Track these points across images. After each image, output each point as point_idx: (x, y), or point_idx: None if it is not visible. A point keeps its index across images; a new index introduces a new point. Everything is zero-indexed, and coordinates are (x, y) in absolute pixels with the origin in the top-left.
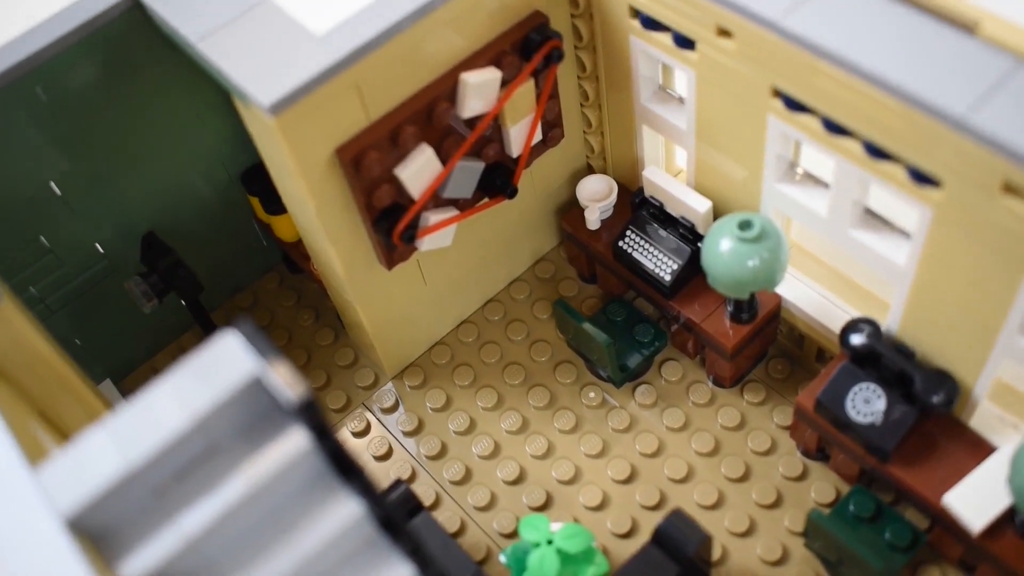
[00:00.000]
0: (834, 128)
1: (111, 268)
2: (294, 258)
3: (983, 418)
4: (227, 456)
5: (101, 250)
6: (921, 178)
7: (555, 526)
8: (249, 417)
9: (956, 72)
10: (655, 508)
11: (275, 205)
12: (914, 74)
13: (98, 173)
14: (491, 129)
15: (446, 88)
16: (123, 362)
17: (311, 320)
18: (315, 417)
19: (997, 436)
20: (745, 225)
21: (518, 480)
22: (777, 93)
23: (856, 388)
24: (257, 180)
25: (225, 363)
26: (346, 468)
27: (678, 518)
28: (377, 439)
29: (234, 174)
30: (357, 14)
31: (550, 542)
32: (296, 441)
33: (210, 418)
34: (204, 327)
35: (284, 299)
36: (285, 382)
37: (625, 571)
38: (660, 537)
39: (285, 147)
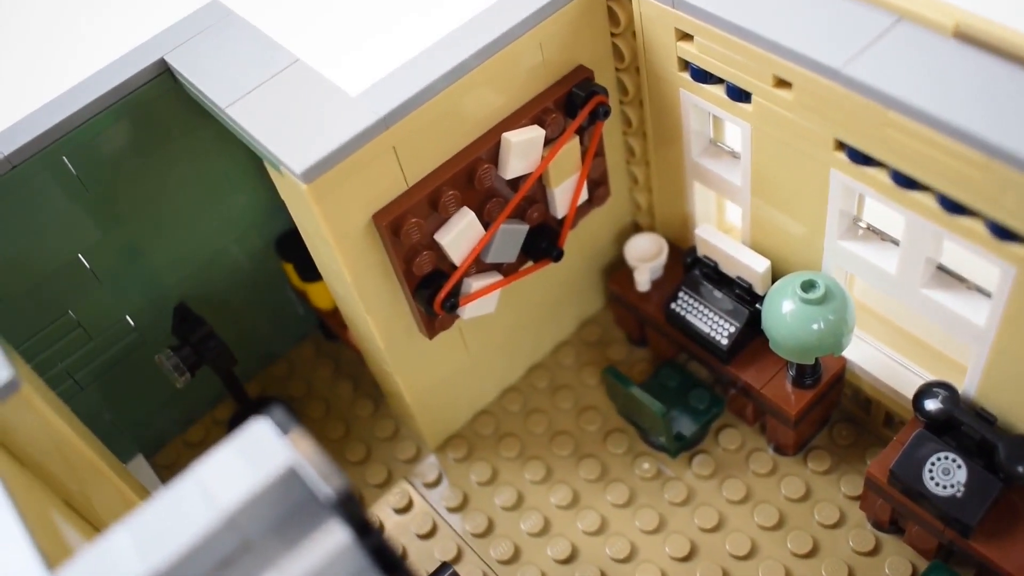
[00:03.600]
0: (905, 181)
1: (142, 341)
2: (331, 326)
3: None
4: (262, 554)
5: (132, 323)
6: (1003, 233)
7: None
8: (284, 511)
9: None
10: None
11: (310, 272)
12: (993, 121)
13: (128, 243)
14: (535, 190)
15: (487, 148)
16: (155, 436)
17: (349, 390)
18: (355, 511)
19: None
20: (808, 286)
21: (570, 559)
22: (841, 146)
23: (934, 458)
24: (291, 246)
25: (257, 453)
26: (389, 564)
27: None
28: (420, 516)
29: (268, 240)
30: (393, 73)
31: None
32: (335, 537)
33: (241, 514)
34: (238, 399)
35: (321, 368)
36: (322, 473)
37: None
38: None
39: (319, 215)
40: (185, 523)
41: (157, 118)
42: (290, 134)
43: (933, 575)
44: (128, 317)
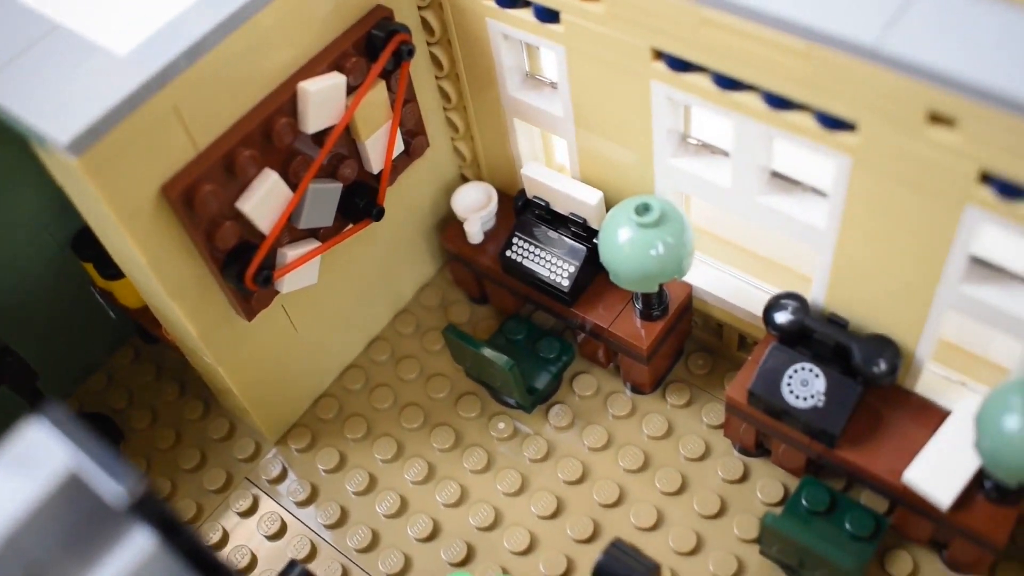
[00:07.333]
0: (727, 83)
1: None
2: (146, 326)
3: (930, 381)
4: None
5: None
6: (833, 123)
7: None
8: (73, 524)
9: None
10: (590, 541)
11: (112, 268)
12: (812, 7)
13: None
14: (344, 145)
15: (284, 101)
16: None
17: (176, 393)
18: (157, 510)
19: (947, 398)
20: (643, 209)
21: (433, 536)
22: (659, 55)
23: (791, 371)
24: (89, 243)
25: (30, 461)
26: (206, 564)
27: (619, 550)
28: (267, 516)
29: (63, 241)
30: (165, 27)
31: None
32: (139, 543)
33: (20, 536)
34: None
35: (142, 374)
36: (112, 473)
37: None
38: (602, 575)
39: (97, 192)
40: None
41: None
42: (53, 105)
43: (805, 491)
44: None
